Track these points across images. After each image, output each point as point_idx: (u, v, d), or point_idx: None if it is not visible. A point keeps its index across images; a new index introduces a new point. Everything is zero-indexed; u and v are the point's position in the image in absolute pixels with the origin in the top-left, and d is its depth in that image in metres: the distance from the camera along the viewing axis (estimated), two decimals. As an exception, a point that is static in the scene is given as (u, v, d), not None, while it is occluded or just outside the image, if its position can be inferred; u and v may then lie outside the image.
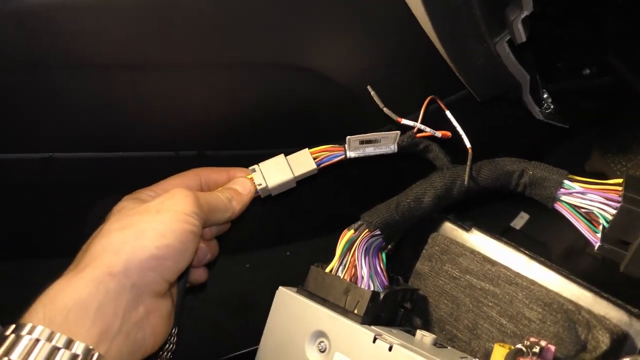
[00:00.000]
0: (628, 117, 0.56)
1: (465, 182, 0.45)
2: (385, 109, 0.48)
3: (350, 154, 0.49)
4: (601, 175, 0.57)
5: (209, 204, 0.43)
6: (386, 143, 0.49)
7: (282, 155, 0.48)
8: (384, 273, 0.45)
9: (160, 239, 0.38)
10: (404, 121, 0.48)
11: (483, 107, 0.51)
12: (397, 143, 0.49)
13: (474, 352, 0.43)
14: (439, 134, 0.48)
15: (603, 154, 0.57)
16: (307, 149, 0.49)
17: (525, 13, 0.41)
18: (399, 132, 0.49)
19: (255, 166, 0.48)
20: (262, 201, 0.49)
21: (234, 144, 0.52)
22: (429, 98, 0.49)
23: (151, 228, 0.39)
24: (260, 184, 0.47)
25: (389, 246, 0.48)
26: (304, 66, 0.49)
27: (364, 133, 0.48)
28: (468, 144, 0.46)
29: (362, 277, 0.44)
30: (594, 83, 0.62)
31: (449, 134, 0.47)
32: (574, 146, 0.60)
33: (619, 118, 0.56)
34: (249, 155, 0.51)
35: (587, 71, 0.65)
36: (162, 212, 0.40)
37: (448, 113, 0.48)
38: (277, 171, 0.48)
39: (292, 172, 0.48)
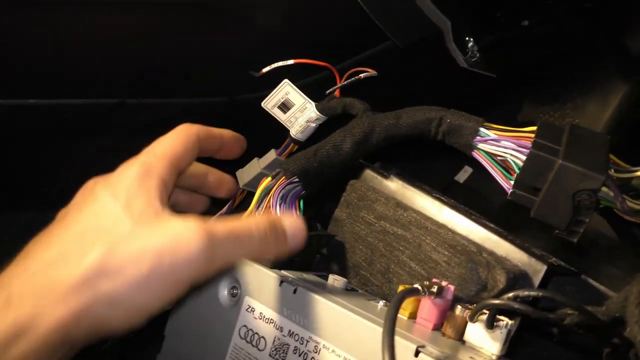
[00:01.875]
0: (558, 68, 0.56)
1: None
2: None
3: (292, 132, 0.51)
4: (532, 125, 0.58)
5: (228, 239, 0.34)
6: (310, 108, 0.50)
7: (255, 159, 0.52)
8: (301, 220, 0.46)
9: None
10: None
11: (409, 56, 0.50)
12: (317, 109, 0.49)
13: (386, 295, 0.44)
14: (348, 81, 0.48)
15: (534, 104, 0.57)
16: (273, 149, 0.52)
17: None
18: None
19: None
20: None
21: (157, 92, 0.52)
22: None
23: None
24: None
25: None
26: (224, 7, 0.48)
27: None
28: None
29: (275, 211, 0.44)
30: (533, 34, 0.61)
31: (360, 76, 0.47)
32: (508, 98, 0.60)
33: (551, 69, 0.56)
34: (173, 103, 0.51)
35: (526, 22, 0.64)
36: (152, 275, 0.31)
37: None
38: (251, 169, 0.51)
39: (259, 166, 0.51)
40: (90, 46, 0.46)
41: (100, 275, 0.31)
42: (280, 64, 0.51)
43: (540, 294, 0.32)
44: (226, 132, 0.44)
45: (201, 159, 0.43)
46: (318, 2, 0.51)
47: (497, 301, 0.32)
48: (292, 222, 0.37)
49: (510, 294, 0.32)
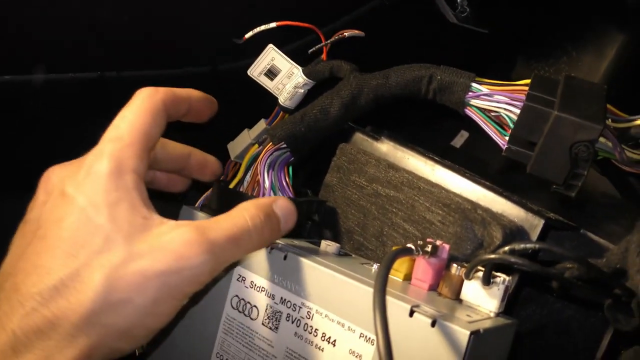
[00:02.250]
0: (552, 23, 0.55)
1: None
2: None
3: (281, 100, 0.49)
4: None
5: (229, 243, 0.32)
6: (297, 73, 0.49)
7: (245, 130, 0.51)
8: (290, 187, 0.44)
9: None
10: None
11: (396, 15, 0.49)
12: (304, 73, 0.48)
13: (380, 259, 0.42)
14: (334, 38, 0.47)
15: (528, 61, 0.55)
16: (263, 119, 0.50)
17: None
18: None
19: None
20: None
21: (137, 65, 0.50)
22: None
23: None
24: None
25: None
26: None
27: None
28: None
29: (265, 190, 0.43)
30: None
31: (344, 33, 0.45)
32: (502, 55, 0.58)
33: (544, 24, 0.55)
34: (154, 75, 0.49)
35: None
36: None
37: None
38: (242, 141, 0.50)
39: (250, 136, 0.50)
40: (65, 16, 0.44)
41: (105, 309, 0.30)
42: (262, 27, 0.49)
43: (537, 245, 0.31)
44: (195, 93, 0.39)
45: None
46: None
47: (492, 255, 0.31)
48: (283, 206, 0.36)
49: (506, 248, 0.30)
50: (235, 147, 0.50)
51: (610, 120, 0.40)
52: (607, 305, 0.31)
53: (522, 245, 0.30)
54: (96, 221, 0.31)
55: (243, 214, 0.34)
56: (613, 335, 0.36)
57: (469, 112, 0.44)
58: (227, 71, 0.53)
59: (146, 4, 0.47)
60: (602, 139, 0.39)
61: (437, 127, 0.72)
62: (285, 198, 0.39)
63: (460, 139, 0.77)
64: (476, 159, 0.73)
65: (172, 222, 0.32)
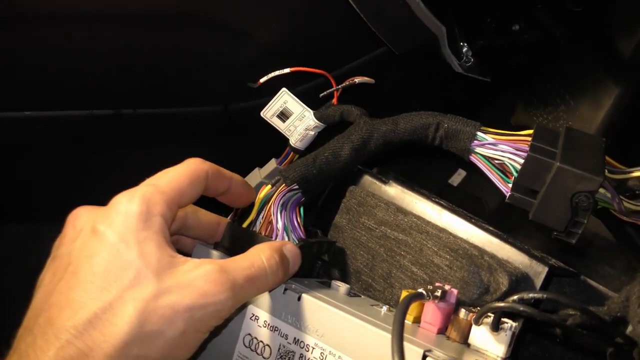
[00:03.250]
0: (550, 72, 0.57)
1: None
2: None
3: (292, 141, 0.52)
4: (525, 129, 0.58)
5: (246, 282, 0.35)
6: (308, 116, 0.51)
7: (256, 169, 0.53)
8: (301, 227, 0.46)
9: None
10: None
11: (404, 62, 0.51)
12: (315, 116, 0.50)
13: (388, 300, 0.44)
14: (345, 83, 0.49)
15: (526, 108, 0.58)
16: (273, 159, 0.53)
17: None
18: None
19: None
20: None
21: (152, 103, 0.52)
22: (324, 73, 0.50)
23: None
24: None
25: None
26: (224, 21, 0.49)
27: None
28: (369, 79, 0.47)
29: (278, 231, 0.44)
30: (523, 38, 0.62)
31: (355, 80, 0.48)
32: (502, 102, 0.60)
33: (542, 72, 0.57)
34: (168, 114, 0.50)
35: (517, 27, 0.65)
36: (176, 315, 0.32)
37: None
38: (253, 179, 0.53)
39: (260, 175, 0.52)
40: (87, 57, 0.46)
41: (138, 341, 0.31)
42: (276, 73, 0.51)
43: (545, 296, 0.32)
44: (236, 177, 0.41)
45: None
46: (315, 12, 0.51)
47: (502, 304, 0.33)
48: (291, 250, 0.40)
49: (515, 297, 0.32)
50: None
51: (608, 171, 0.42)
52: (610, 354, 0.33)
53: (531, 295, 0.32)
54: (127, 257, 0.32)
55: (260, 255, 0.37)
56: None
57: (473, 159, 0.46)
58: (239, 110, 0.55)
59: (164, 44, 0.49)
60: (601, 190, 0.41)
61: (435, 165, 0.75)
62: (292, 243, 0.41)
63: (457, 177, 0.80)
64: (474, 198, 0.75)
65: (195, 260, 0.34)
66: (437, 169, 0.76)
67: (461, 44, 0.51)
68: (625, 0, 0.53)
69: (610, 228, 0.48)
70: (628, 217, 0.41)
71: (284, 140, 0.52)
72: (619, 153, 0.43)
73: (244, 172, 0.53)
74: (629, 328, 0.32)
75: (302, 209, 0.47)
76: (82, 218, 0.35)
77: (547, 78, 0.57)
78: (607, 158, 0.43)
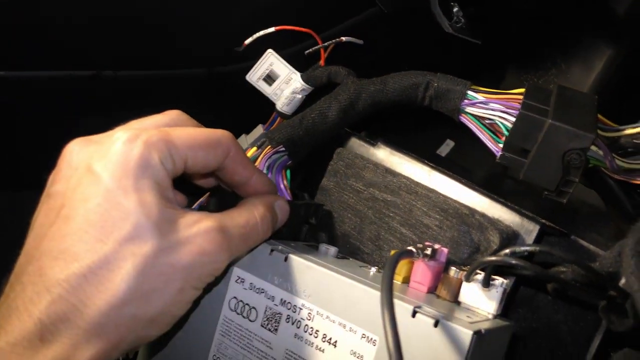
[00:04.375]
0: (541, 34, 0.56)
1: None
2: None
3: (278, 106, 0.50)
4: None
5: (241, 240, 0.35)
6: (295, 78, 0.49)
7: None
8: (288, 190, 0.45)
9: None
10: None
11: (394, 23, 0.50)
12: (302, 79, 0.49)
13: (376, 262, 0.43)
14: (330, 42, 0.47)
15: (517, 71, 0.57)
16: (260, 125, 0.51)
17: None
18: None
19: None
20: None
21: (134, 64, 0.50)
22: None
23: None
24: None
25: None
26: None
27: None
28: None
29: (263, 193, 0.43)
30: (517, 5, 0.61)
31: (342, 39, 0.46)
32: (492, 65, 0.59)
33: (534, 35, 0.56)
34: (150, 76, 0.49)
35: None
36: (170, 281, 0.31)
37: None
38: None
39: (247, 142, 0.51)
40: (65, 17, 0.44)
41: (135, 299, 0.30)
42: (261, 33, 0.50)
43: (538, 248, 0.31)
44: (259, 172, 0.39)
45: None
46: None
47: (494, 258, 0.32)
48: (282, 206, 0.39)
49: (507, 250, 0.31)
50: None
51: (600, 129, 0.42)
52: (602, 307, 0.33)
53: (523, 248, 0.31)
54: (125, 205, 0.30)
55: (254, 213, 0.36)
56: (603, 338, 0.37)
57: (463, 119, 0.45)
58: (224, 74, 0.53)
59: (145, 3, 0.47)
60: (593, 147, 0.40)
61: (422, 136, 0.74)
62: (283, 198, 0.40)
63: (446, 148, 0.79)
64: (462, 168, 0.75)
65: (194, 215, 0.33)
66: (424, 139, 0.76)
67: (452, 3, 0.50)
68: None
69: (600, 194, 0.47)
70: (619, 175, 0.41)
71: (272, 104, 0.51)
72: (611, 112, 0.42)
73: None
74: (622, 280, 0.31)
75: (288, 172, 0.46)
76: (78, 153, 0.32)
77: (539, 41, 0.56)
78: (600, 116, 0.42)
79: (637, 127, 0.40)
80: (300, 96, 0.50)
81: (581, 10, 0.53)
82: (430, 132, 0.75)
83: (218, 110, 0.52)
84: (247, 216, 0.35)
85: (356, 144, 0.48)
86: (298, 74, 0.50)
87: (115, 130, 0.33)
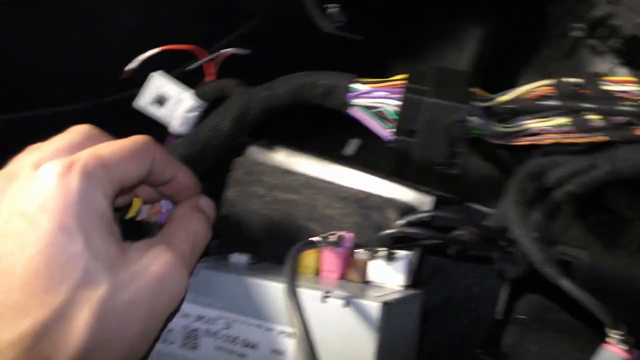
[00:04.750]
0: (421, 27, 0.59)
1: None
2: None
3: (172, 128, 0.48)
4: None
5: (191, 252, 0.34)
6: (187, 97, 0.49)
7: None
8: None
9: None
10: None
11: (281, 29, 0.51)
12: (193, 96, 0.48)
13: (290, 262, 0.43)
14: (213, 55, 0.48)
15: (404, 62, 0.59)
16: None
17: None
18: None
19: None
20: None
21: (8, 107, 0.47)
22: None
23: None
24: None
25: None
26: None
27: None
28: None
29: (161, 213, 0.42)
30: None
31: (228, 51, 0.47)
32: (376, 59, 0.62)
33: (410, 24, 0.59)
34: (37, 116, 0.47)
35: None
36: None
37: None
38: None
39: None
40: None
41: (98, 347, 0.28)
42: (146, 55, 0.49)
43: (432, 213, 0.33)
44: (183, 166, 0.37)
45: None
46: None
47: (391, 230, 0.33)
48: (206, 202, 0.39)
49: (403, 221, 0.32)
50: None
51: (478, 100, 0.44)
52: (497, 258, 0.34)
53: (417, 216, 0.32)
54: (71, 249, 0.27)
55: (190, 220, 0.35)
56: (510, 292, 0.39)
57: (351, 111, 0.46)
58: (113, 104, 0.52)
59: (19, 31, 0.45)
60: (472, 118, 0.43)
61: (324, 140, 0.75)
62: (203, 196, 0.39)
63: (352, 147, 0.81)
64: (369, 163, 0.77)
65: (139, 243, 0.31)
66: (327, 143, 0.77)
67: (325, 5, 0.52)
68: None
69: (487, 160, 0.50)
70: (500, 140, 0.43)
71: (166, 127, 0.50)
72: (488, 85, 0.45)
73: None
74: (510, 231, 0.33)
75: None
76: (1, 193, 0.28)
77: (414, 30, 0.59)
78: (475, 89, 0.45)
79: (506, 94, 0.43)
80: (196, 113, 0.50)
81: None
82: (332, 136, 0.77)
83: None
84: (186, 226, 0.35)
85: (255, 152, 0.48)
86: (189, 92, 0.49)
87: (35, 160, 0.29)
